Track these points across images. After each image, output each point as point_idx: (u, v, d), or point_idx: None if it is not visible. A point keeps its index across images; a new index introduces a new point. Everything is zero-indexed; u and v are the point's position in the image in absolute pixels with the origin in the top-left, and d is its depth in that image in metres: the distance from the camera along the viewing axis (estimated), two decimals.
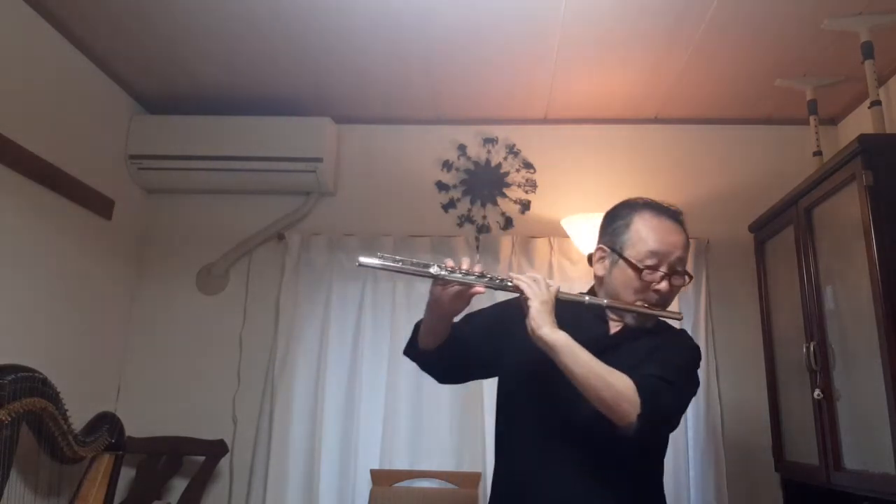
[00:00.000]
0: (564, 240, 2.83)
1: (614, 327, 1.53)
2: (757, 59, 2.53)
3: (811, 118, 2.65)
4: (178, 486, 2.63)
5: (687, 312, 2.75)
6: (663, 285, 1.46)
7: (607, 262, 1.54)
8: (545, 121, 3.07)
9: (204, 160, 2.85)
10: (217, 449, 2.64)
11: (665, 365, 1.39)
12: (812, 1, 2.19)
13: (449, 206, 3.01)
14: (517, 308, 1.45)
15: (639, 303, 1.48)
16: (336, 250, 2.90)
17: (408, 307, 2.78)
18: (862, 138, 1.91)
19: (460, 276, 1.40)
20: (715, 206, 2.91)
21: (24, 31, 2.28)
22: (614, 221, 1.56)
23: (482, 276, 1.41)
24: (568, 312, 1.45)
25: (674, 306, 2.65)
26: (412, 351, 1.60)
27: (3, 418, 1.84)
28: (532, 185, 3.00)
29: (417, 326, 1.58)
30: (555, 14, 2.29)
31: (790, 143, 2.91)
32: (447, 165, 3.04)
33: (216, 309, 2.92)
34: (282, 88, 2.84)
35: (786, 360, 2.46)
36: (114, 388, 2.82)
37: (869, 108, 2.30)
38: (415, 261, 1.43)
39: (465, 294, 1.43)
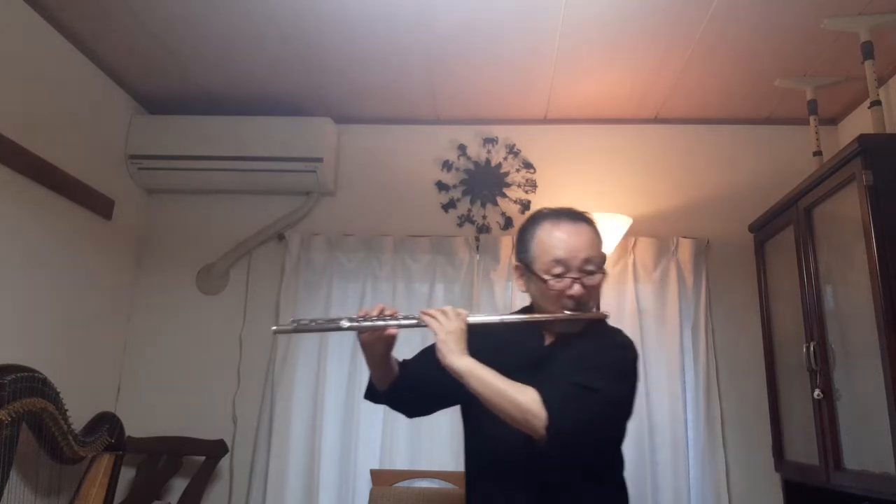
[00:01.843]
0: None
1: (549, 338, 1.55)
2: (757, 59, 2.53)
3: (811, 118, 2.65)
4: (178, 486, 2.62)
5: (687, 312, 2.76)
6: (575, 289, 1.47)
7: (524, 277, 1.57)
8: (545, 121, 3.07)
9: (204, 160, 2.85)
10: (217, 449, 2.64)
11: (586, 370, 1.39)
12: (812, 1, 2.19)
13: (449, 206, 3.00)
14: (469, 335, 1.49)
15: (560, 311, 1.49)
16: (336, 250, 2.90)
17: (408, 307, 2.77)
18: (862, 138, 1.92)
19: (369, 323, 1.48)
20: (715, 206, 2.92)
21: (24, 31, 2.28)
22: (522, 238, 1.58)
23: (393, 318, 1.49)
24: (506, 331, 1.54)
25: (672, 306, 2.71)
26: (371, 395, 1.66)
27: (3, 418, 1.84)
28: (532, 185, 3.00)
29: None
30: (555, 14, 2.29)
31: (790, 143, 2.91)
32: (447, 165, 3.04)
33: (216, 309, 2.92)
34: (282, 88, 2.84)
35: (786, 360, 2.46)
36: (114, 388, 2.82)
37: (869, 108, 2.30)
38: (326, 318, 1.56)
39: (383, 336, 1.50)
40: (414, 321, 1.48)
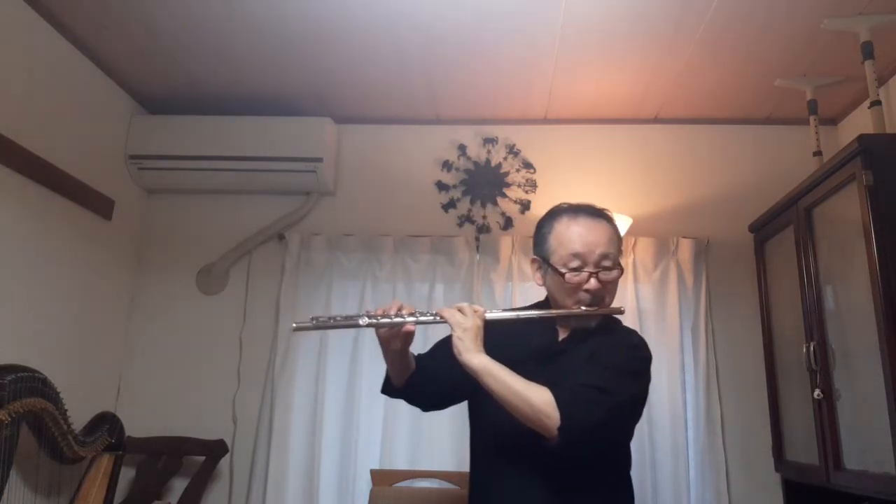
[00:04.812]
0: None
1: (563, 333, 1.57)
2: (757, 59, 2.53)
3: (811, 118, 2.65)
4: (178, 486, 2.62)
5: (687, 312, 2.76)
6: (592, 284, 1.48)
7: (541, 271, 1.58)
8: (545, 121, 3.06)
9: (204, 160, 2.85)
10: (217, 449, 2.64)
11: (598, 370, 1.40)
12: (812, 1, 2.19)
13: (449, 206, 3.00)
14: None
15: (576, 305, 1.50)
16: (336, 250, 2.90)
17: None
18: (862, 138, 1.92)
19: (387, 320, 1.48)
20: (715, 206, 2.92)
21: (24, 31, 2.28)
22: (539, 231, 1.59)
23: (411, 315, 1.48)
24: (520, 325, 1.53)
25: (672, 306, 2.71)
26: (388, 389, 1.66)
27: (3, 418, 1.84)
28: (532, 185, 3.00)
29: None
30: (555, 14, 2.29)
31: (790, 143, 2.91)
32: (447, 165, 3.04)
33: (216, 309, 2.92)
34: (282, 88, 2.84)
35: (786, 360, 2.46)
36: (114, 388, 2.82)
37: (869, 108, 2.30)
38: (345, 315, 1.54)
39: (400, 333, 1.48)
40: (431, 318, 1.48)
